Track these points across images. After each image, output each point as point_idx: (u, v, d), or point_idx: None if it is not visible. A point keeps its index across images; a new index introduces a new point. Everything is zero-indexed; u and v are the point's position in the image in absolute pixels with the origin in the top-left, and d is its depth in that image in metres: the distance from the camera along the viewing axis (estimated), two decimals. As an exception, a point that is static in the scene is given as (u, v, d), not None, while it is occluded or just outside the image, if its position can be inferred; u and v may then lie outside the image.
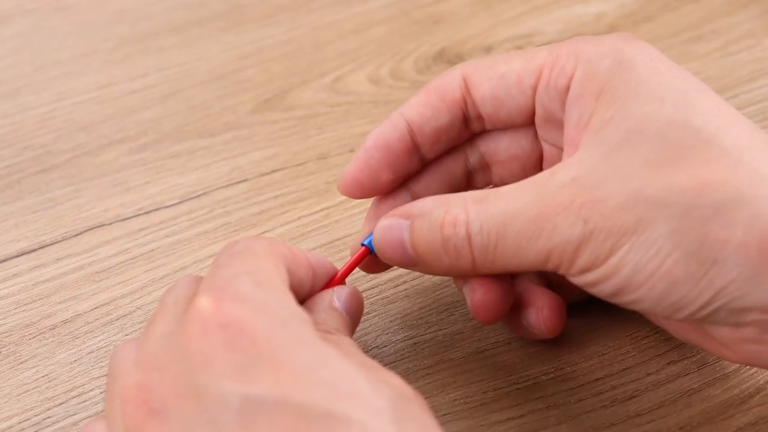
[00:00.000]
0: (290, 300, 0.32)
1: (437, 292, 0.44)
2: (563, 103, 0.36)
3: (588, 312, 0.42)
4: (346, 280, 0.39)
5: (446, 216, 0.35)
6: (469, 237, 0.35)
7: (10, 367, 0.42)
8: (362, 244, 0.38)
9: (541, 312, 0.39)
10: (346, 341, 0.34)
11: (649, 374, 0.41)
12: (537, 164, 0.40)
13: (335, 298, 0.37)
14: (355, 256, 0.38)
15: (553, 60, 0.37)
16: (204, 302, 0.31)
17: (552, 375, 0.40)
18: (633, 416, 0.39)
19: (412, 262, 0.37)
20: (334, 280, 0.38)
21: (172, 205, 0.50)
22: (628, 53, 0.35)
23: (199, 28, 0.61)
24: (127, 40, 0.61)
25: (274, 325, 0.30)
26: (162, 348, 0.31)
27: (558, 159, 0.38)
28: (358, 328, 0.42)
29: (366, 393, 0.29)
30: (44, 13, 0.63)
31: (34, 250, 0.47)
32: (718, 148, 0.32)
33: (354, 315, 0.37)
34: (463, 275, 0.38)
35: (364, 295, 0.43)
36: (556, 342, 0.42)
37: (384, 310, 0.44)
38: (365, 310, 0.43)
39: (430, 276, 0.45)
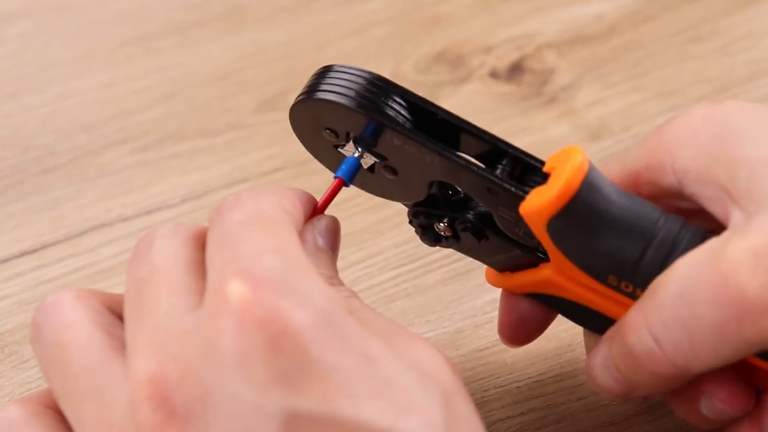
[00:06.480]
0: (323, 283, 0.28)
1: (438, 290, 0.44)
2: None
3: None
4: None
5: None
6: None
7: (13, 366, 0.42)
8: (336, 176, 0.35)
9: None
10: (357, 305, 0.30)
11: (648, 373, 0.41)
12: None
13: (317, 235, 0.33)
14: (330, 188, 0.35)
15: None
16: (237, 290, 0.26)
17: (553, 373, 0.41)
18: (633, 415, 0.39)
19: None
20: (314, 214, 0.34)
21: (173, 205, 0.50)
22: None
23: (200, 29, 0.62)
24: (128, 41, 0.61)
25: (318, 321, 0.26)
26: (179, 334, 0.26)
27: None
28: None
29: (421, 402, 0.26)
30: (46, 13, 0.63)
31: (36, 250, 0.47)
32: None
33: (336, 247, 0.33)
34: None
35: (364, 294, 0.43)
36: (557, 341, 0.42)
37: (385, 309, 0.44)
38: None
39: (432, 274, 0.45)
